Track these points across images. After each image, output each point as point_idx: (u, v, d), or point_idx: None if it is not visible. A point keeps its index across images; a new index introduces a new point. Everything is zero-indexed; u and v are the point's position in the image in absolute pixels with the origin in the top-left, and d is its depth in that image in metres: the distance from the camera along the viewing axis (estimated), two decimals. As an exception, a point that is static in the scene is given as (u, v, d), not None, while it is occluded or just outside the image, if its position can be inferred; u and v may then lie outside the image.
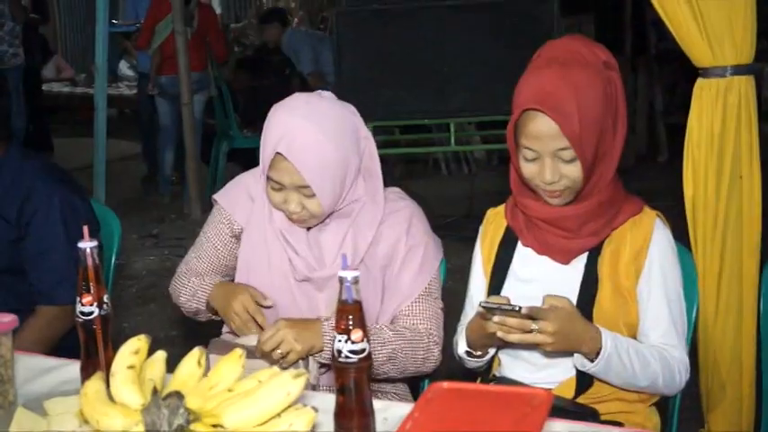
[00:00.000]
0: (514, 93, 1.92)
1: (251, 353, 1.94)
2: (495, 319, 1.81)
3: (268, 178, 2.04)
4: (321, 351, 2.01)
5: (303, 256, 2.09)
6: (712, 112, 2.31)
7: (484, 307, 1.85)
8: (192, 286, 2.24)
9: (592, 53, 1.91)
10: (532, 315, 1.79)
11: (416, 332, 2.11)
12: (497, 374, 2.10)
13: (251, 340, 2.04)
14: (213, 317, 2.24)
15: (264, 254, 2.15)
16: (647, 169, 7.23)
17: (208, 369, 1.58)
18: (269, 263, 2.14)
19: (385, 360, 2.05)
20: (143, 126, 7.67)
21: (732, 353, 2.41)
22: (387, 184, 2.22)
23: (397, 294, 2.13)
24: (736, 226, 2.35)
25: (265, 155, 2.02)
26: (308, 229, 2.12)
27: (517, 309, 1.79)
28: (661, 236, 1.99)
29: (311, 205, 2.02)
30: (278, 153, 1.97)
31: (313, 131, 1.96)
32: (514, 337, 1.82)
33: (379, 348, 2.03)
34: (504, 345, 1.95)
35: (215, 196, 2.27)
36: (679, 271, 2.02)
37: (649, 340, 1.98)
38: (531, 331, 1.81)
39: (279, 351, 1.97)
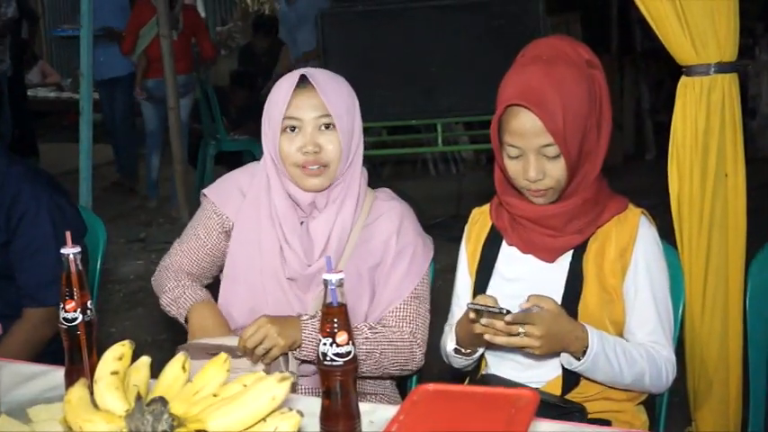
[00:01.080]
0: (499, 90, 1.92)
1: (230, 352, 1.93)
2: (483, 321, 1.81)
3: (285, 121, 2.05)
4: (299, 347, 2.02)
5: (294, 248, 2.08)
6: (696, 111, 2.31)
7: (471, 308, 1.85)
8: (173, 290, 2.23)
9: (575, 52, 1.92)
10: (518, 322, 1.79)
11: (399, 333, 2.11)
12: (484, 373, 2.10)
13: (225, 340, 2.04)
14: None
15: (256, 250, 2.14)
16: (634, 167, 7.25)
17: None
18: (260, 264, 2.13)
19: (363, 360, 2.05)
20: (116, 131, 7.56)
21: (719, 351, 2.41)
22: (376, 185, 2.22)
23: (386, 295, 2.13)
24: (722, 224, 2.35)
25: (281, 99, 2.05)
26: (302, 224, 2.11)
27: (504, 312, 1.79)
28: (646, 233, 1.99)
29: (329, 145, 2.04)
30: (299, 86, 2.04)
31: (331, 75, 2.10)
32: (501, 340, 1.82)
33: (357, 347, 2.03)
34: (492, 345, 1.94)
35: (204, 191, 2.26)
36: (665, 268, 2.02)
37: (636, 338, 1.98)
38: (517, 334, 1.81)
39: (262, 347, 1.97)
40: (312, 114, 2.03)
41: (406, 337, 2.12)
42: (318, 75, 2.05)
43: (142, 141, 7.29)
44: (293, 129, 2.05)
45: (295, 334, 2.01)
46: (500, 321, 1.80)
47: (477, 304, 1.85)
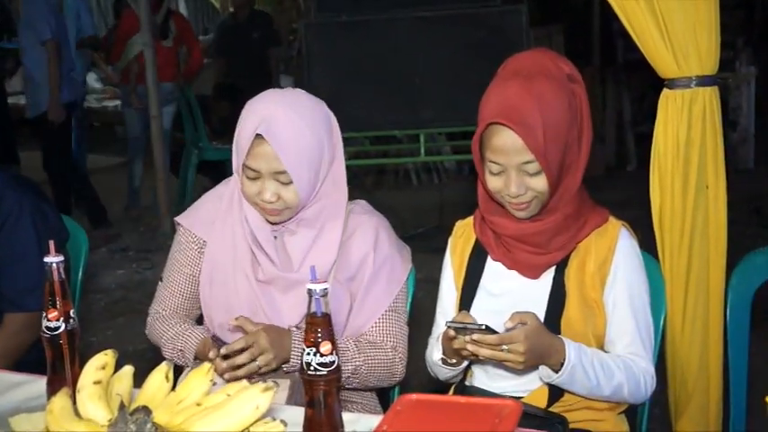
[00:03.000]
0: (480, 105, 1.93)
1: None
2: (474, 337, 1.81)
3: (244, 167, 2.04)
4: (288, 361, 2.02)
5: (271, 256, 2.09)
6: (678, 123, 2.32)
7: (450, 327, 1.85)
8: (174, 341, 2.17)
9: (556, 66, 1.93)
10: (503, 342, 1.80)
11: (382, 349, 2.12)
12: (468, 384, 2.11)
13: None
14: None
15: (229, 256, 2.14)
16: (616, 178, 7.29)
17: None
18: (233, 264, 2.13)
19: (349, 375, 2.07)
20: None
21: (699, 362, 2.42)
22: (357, 195, 2.22)
23: (365, 310, 2.14)
24: (703, 235, 2.36)
25: (243, 141, 2.02)
26: (275, 238, 2.11)
27: (483, 328, 1.80)
28: (626, 245, 2.01)
29: (287, 194, 2.02)
30: (257, 136, 1.98)
31: (291, 117, 2.00)
32: (486, 353, 1.83)
33: (344, 363, 2.04)
34: (476, 359, 1.95)
35: (177, 219, 2.26)
36: (645, 280, 2.03)
37: (615, 350, 1.99)
38: (501, 349, 1.82)
39: (257, 363, 1.96)
40: (268, 168, 2.01)
41: (389, 351, 2.13)
42: (277, 125, 1.98)
43: (124, 149, 7.24)
44: (253, 177, 2.04)
45: (286, 353, 2.00)
46: (486, 338, 1.80)
47: (456, 323, 1.86)
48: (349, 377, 2.07)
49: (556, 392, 1.97)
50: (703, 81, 2.31)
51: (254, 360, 1.96)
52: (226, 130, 7.03)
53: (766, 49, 8.57)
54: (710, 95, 2.32)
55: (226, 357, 1.96)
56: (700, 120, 2.31)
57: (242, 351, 1.96)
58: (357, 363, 2.07)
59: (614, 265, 1.99)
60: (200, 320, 2.27)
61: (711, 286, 2.38)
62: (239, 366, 1.95)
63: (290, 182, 2.01)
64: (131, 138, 7.09)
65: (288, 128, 1.99)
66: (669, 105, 2.33)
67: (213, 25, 12.71)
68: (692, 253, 2.36)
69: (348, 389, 2.14)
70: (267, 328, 2.00)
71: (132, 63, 6.85)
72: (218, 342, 2.05)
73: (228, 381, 1.92)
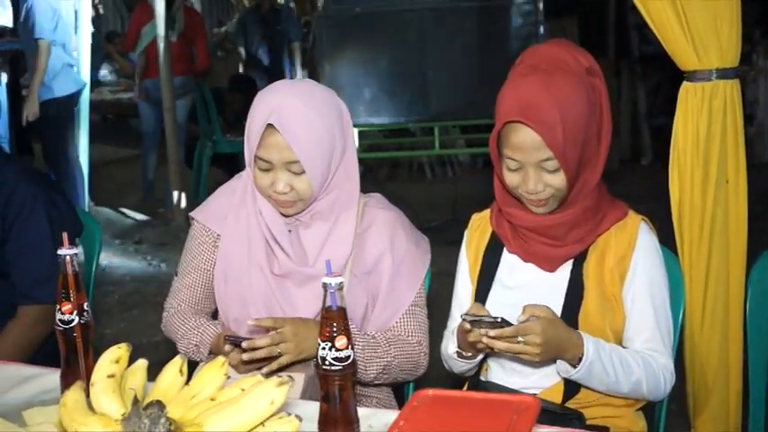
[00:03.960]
0: (497, 102, 1.90)
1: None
2: (492, 333, 1.80)
3: (256, 159, 2.02)
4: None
5: (286, 250, 2.07)
6: (698, 117, 2.30)
7: (465, 320, 1.84)
8: (189, 336, 2.16)
9: (575, 60, 1.90)
10: (519, 333, 1.79)
11: (408, 344, 2.12)
12: (483, 379, 2.09)
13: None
14: None
15: (244, 250, 2.13)
16: (630, 172, 7.25)
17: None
18: (248, 258, 2.12)
19: (380, 371, 2.06)
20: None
21: (719, 357, 2.40)
22: (371, 188, 2.20)
23: (389, 306, 2.12)
24: (723, 230, 2.34)
25: (254, 133, 2.01)
26: (290, 232, 2.10)
27: (499, 320, 1.79)
28: (646, 240, 1.99)
29: (300, 184, 2.01)
30: (269, 126, 1.97)
31: (302, 106, 1.98)
32: (501, 345, 1.81)
33: (376, 361, 2.04)
34: (491, 352, 1.93)
35: (192, 214, 2.25)
36: (665, 276, 2.01)
37: (634, 345, 1.97)
38: (517, 341, 1.80)
39: (278, 350, 1.93)
40: (280, 158, 1.99)
41: (415, 346, 2.13)
42: (289, 114, 1.97)
43: (138, 141, 7.25)
44: (265, 168, 2.03)
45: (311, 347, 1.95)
46: (502, 331, 1.79)
47: (471, 315, 1.84)
48: (380, 373, 2.06)
49: (571, 389, 1.96)
50: (724, 74, 2.28)
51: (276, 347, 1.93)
52: (240, 122, 7.05)
53: (784, 42, 8.51)
54: (731, 88, 2.29)
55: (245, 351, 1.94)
56: (720, 113, 2.28)
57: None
58: (389, 358, 2.07)
59: (634, 261, 1.97)
60: (215, 315, 2.27)
61: (731, 281, 2.37)
62: (258, 360, 1.94)
63: (303, 172, 2.00)
64: (145, 131, 7.10)
65: (299, 117, 1.97)
66: (689, 98, 2.31)
67: (228, 19, 12.72)
68: (712, 248, 2.34)
69: (364, 384, 2.13)
70: (295, 320, 1.98)
71: (140, 56, 6.85)
72: (230, 339, 2.02)
73: (243, 373, 1.92)
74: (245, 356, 1.93)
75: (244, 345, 1.94)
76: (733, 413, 2.44)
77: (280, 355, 1.94)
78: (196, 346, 2.14)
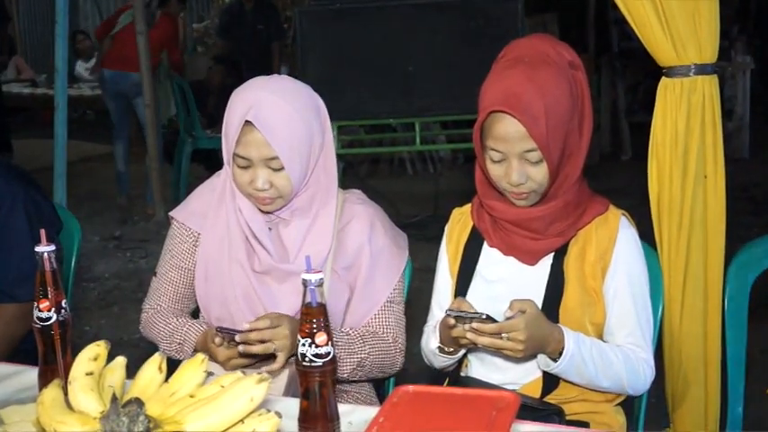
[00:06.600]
0: (480, 93, 1.90)
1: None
2: (474, 325, 1.80)
3: (235, 156, 2.01)
4: None
5: (266, 247, 2.07)
6: (676, 112, 2.31)
7: (450, 315, 1.84)
8: (171, 337, 2.15)
9: (557, 53, 1.91)
10: (503, 330, 1.79)
11: (383, 340, 2.12)
12: (464, 375, 2.09)
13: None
14: None
15: (224, 248, 2.12)
16: (610, 168, 7.29)
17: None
18: (228, 256, 2.11)
19: (354, 367, 2.06)
20: None
21: (697, 352, 2.42)
22: (351, 184, 2.20)
23: (365, 301, 2.12)
24: (701, 225, 2.35)
25: (231, 131, 2.00)
26: (270, 230, 2.10)
27: (483, 317, 1.79)
28: (627, 235, 1.99)
29: (279, 181, 2.00)
30: (246, 123, 1.96)
31: (280, 102, 1.97)
32: (485, 341, 1.81)
33: (349, 357, 2.04)
34: (473, 347, 1.94)
35: (171, 213, 2.24)
36: (645, 270, 2.02)
37: (615, 339, 1.98)
38: (501, 337, 1.81)
39: (273, 347, 1.92)
40: (259, 155, 1.98)
41: (390, 343, 2.12)
42: (266, 111, 1.95)
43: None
44: (244, 165, 2.02)
45: None
46: (485, 327, 1.79)
47: (455, 311, 1.84)
48: (354, 369, 2.06)
49: (550, 385, 1.97)
50: (702, 69, 2.30)
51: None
52: (219, 118, 7.02)
53: (761, 37, 8.58)
54: (710, 84, 2.30)
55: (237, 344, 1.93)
56: (699, 109, 2.29)
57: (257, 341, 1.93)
58: (363, 355, 2.07)
59: (615, 255, 1.97)
60: (194, 315, 2.25)
61: (710, 276, 2.38)
62: (251, 355, 1.93)
63: (282, 168, 1.99)
64: (112, 121, 7.06)
65: (276, 113, 1.96)
66: (668, 94, 2.32)
67: (208, 14, 12.66)
68: (691, 243, 2.35)
69: (343, 380, 2.12)
70: (290, 317, 1.97)
71: (107, 40, 6.83)
72: (222, 331, 2.01)
73: (230, 370, 1.91)
74: (241, 348, 1.92)
75: (237, 338, 1.93)
76: (711, 407, 2.46)
77: (274, 353, 1.93)
78: (180, 344, 2.13)
